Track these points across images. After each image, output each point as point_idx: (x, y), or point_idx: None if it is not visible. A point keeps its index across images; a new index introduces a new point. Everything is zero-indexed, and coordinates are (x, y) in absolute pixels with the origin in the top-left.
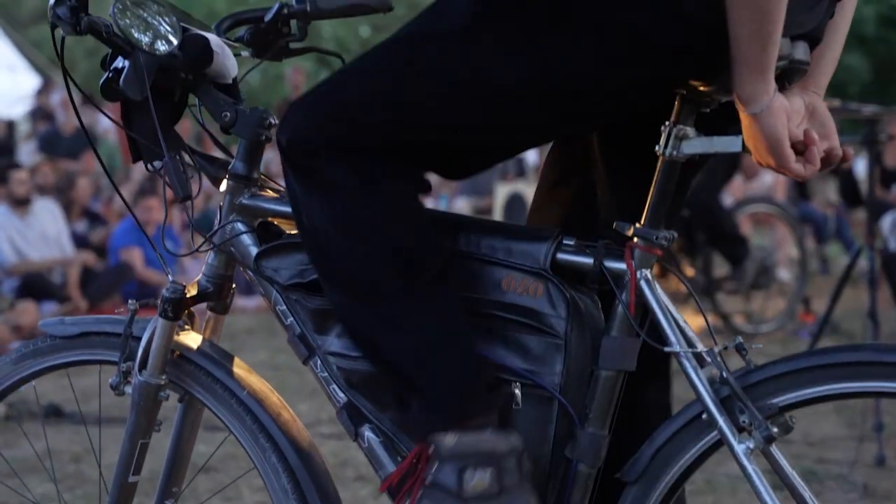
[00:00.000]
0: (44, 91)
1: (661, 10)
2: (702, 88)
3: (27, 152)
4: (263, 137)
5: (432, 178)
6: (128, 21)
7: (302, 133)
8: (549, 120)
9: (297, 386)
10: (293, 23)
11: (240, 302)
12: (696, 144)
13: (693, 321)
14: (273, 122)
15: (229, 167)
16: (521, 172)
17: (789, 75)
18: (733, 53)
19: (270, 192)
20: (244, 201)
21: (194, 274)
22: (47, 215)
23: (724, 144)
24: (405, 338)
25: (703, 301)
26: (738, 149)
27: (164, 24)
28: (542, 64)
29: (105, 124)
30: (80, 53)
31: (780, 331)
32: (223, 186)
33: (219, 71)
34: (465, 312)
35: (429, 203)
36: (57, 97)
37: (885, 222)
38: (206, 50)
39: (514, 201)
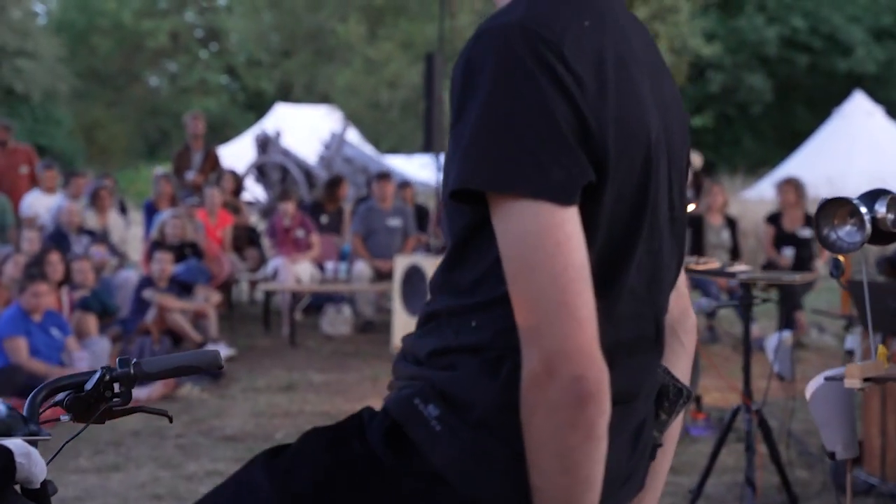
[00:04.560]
0: None
1: None
2: None
3: None
4: None
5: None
6: None
7: None
8: None
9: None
10: (116, 385)
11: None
12: None
13: None
14: None
15: None
16: (423, 228)
17: None
18: None
19: None
20: None
21: (82, 362)
22: None
23: None
24: None
25: None
26: None
27: None
28: None
29: None
30: None
31: None
32: None
33: (25, 478)
34: None
35: (329, 265)
36: None
37: (769, 344)
38: (9, 465)
39: (413, 274)
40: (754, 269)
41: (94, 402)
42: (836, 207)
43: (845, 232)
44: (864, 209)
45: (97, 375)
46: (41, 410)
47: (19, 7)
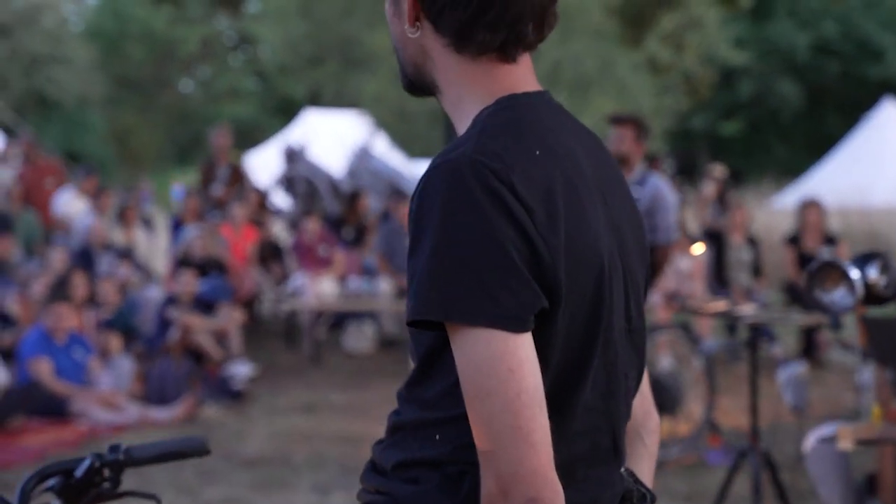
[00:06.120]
0: None
1: None
2: None
3: None
4: None
5: None
6: None
7: None
8: None
9: None
10: (106, 470)
11: (152, 413)
12: None
13: None
14: None
15: None
16: None
17: None
18: None
19: None
20: None
21: (105, 383)
22: None
23: None
24: None
25: None
26: None
27: None
28: None
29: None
30: (16, 72)
31: (687, 456)
32: None
33: None
34: None
35: (352, 281)
36: None
37: (783, 377)
38: None
39: None
40: (771, 294)
41: (85, 488)
42: (829, 271)
43: (838, 295)
44: (854, 274)
45: (87, 462)
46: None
47: (52, 14)
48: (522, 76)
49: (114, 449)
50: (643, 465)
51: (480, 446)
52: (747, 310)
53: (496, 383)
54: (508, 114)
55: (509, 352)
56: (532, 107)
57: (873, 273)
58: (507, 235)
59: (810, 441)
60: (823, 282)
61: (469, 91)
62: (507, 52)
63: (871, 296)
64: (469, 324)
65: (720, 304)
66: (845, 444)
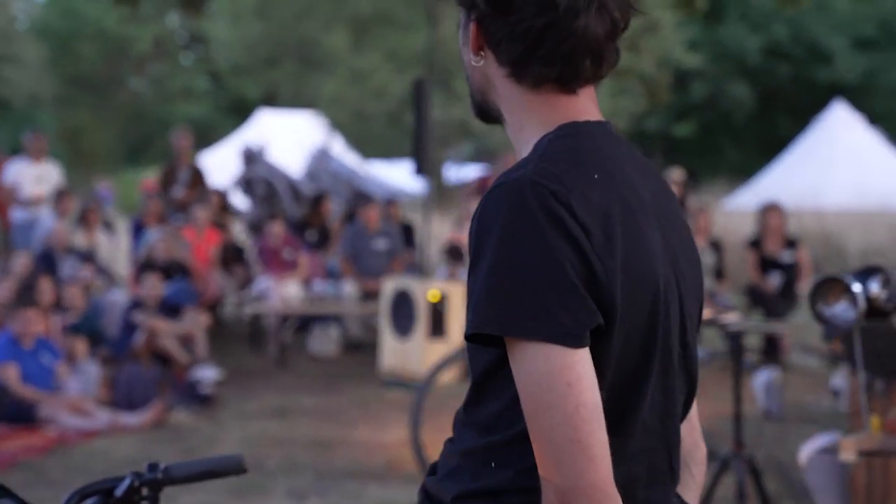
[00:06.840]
0: None
1: None
2: None
3: None
4: None
5: None
6: None
7: None
8: None
9: None
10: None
11: (122, 419)
12: None
13: None
14: None
15: None
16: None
17: None
18: None
19: None
20: None
21: (73, 388)
22: None
23: None
24: None
25: None
26: None
27: None
28: None
29: None
30: None
31: None
32: None
33: None
34: None
35: (317, 284)
36: None
37: (758, 382)
38: None
39: (401, 299)
40: (733, 297)
41: None
42: (830, 285)
43: (840, 309)
44: (857, 287)
45: (127, 482)
46: None
47: (2, 12)
48: (583, 107)
49: (152, 468)
50: (689, 495)
51: (540, 461)
52: (731, 318)
53: (555, 397)
54: (569, 141)
55: (567, 366)
56: (592, 135)
57: (875, 287)
58: (566, 255)
59: (807, 451)
60: (825, 296)
61: (530, 119)
62: (565, 85)
63: (873, 310)
64: (527, 338)
65: (705, 312)
66: (848, 456)
